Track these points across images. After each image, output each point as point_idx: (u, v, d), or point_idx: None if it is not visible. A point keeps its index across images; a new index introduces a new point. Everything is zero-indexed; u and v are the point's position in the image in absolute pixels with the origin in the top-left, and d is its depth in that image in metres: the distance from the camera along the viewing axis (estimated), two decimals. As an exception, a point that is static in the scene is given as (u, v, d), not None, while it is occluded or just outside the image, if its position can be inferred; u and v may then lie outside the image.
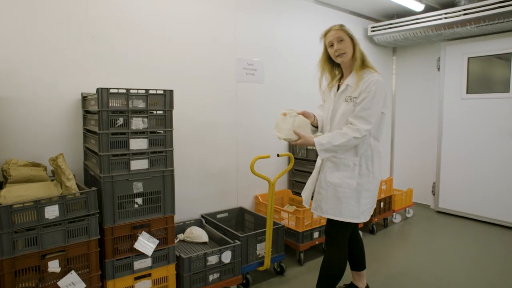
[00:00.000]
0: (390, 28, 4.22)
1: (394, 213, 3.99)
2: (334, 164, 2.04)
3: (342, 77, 2.15)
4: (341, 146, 1.92)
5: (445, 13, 3.78)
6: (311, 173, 3.37)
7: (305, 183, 3.45)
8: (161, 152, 2.13)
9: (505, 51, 3.87)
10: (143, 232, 2.08)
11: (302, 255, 2.95)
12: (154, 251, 2.10)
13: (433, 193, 4.54)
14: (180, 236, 2.77)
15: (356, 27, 4.37)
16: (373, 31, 4.37)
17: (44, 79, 2.25)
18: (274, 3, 3.45)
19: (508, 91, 3.87)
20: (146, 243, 2.06)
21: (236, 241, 2.48)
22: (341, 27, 2.02)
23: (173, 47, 2.79)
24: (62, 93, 2.33)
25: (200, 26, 2.93)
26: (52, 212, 1.67)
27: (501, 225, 3.96)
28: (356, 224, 2.23)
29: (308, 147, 3.41)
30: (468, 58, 4.16)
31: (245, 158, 3.28)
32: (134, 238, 2.06)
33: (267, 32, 3.43)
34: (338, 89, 2.11)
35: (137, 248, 2.03)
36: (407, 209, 4.20)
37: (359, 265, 2.37)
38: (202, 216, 3.01)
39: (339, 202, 2.01)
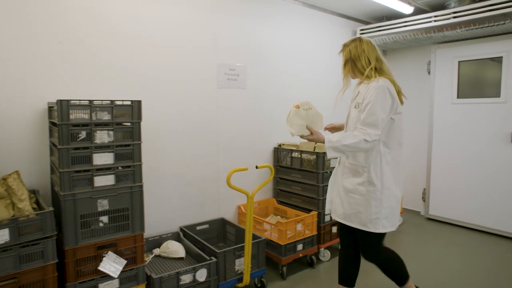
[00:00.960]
0: (379, 30, 4.11)
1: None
2: (349, 170, 2.10)
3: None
4: (350, 146, 1.93)
5: (435, 16, 3.67)
6: (296, 181, 3.29)
7: (290, 192, 3.38)
8: (129, 166, 2.01)
9: (496, 55, 3.77)
10: (109, 252, 1.95)
11: (284, 268, 2.83)
12: (121, 271, 1.97)
13: (423, 199, 4.44)
14: (156, 251, 2.64)
15: (344, 30, 4.26)
16: (362, 33, 4.26)
17: (6, 88, 2.11)
18: (257, 6, 3.33)
19: (499, 96, 3.77)
20: (112, 264, 1.94)
21: (212, 257, 2.36)
22: (342, 50, 2.15)
23: (149, 52, 2.65)
24: (28, 103, 2.18)
25: (178, 30, 2.80)
26: (1, 236, 1.54)
27: (492, 233, 3.86)
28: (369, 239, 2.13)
29: (303, 149, 3.29)
30: (459, 61, 4.06)
31: (227, 167, 3.15)
32: (100, 259, 1.93)
33: (251, 36, 3.30)
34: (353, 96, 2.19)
35: (102, 270, 1.91)
36: (396, 216, 4.09)
37: (348, 281, 2.29)
38: (181, 229, 2.89)
39: (350, 207, 2.07)
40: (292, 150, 3.30)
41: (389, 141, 2.03)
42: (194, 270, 2.24)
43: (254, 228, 3.06)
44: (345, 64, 2.11)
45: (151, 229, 2.74)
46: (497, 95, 3.79)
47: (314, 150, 3.14)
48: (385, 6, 3.80)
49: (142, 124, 2.04)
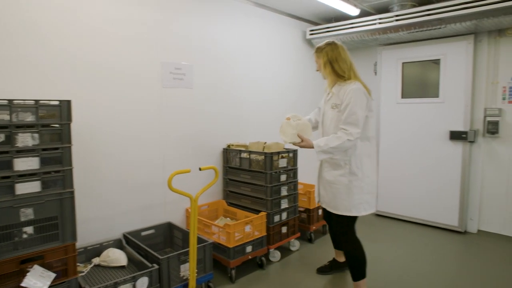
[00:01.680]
0: (327, 31, 4.18)
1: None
2: (329, 164, 2.39)
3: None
4: (337, 148, 2.19)
5: (379, 19, 3.79)
6: (245, 182, 3.26)
7: (239, 193, 3.33)
8: (58, 171, 1.86)
9: (435, 57, 3.96)
10: (35, 266, 1.79)
11: (233, 272, 2.78)
12: (50, 286, 1.82)
13: (372, 196, 4.58)
14: (95, 260, 2.48)
15: (294, 30, 4.29)
16: (312, 34, 4.31)
17: None
18: (206, 4, 3.25)
19: (438, 96, 3.97)
20: (37, 279, 1.78)
21: (154, 264, 2.26)
22: (316, 52, 2.42)
23: (89, 49, 2.48)
24: None
25: (119, 27, 2.65)
26: None
27: (434, 226, 4.06)
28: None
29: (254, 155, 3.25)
30: (403, 63, 4.23)
31: (173, 169, 3.04)
32: (23, 274, 1.77)
33: (199, 35, 3.21)
34: (327, 97, 2.44)
35: (25, 286, 1.74)
36: (346, 214, 4.18)
37: (336, 242, 2.84)
38: (124, 236, 2.74)
39: (334, 197, 2.36)
40: (241, 151, 3.26)
41: (365, 135, 2.30)
42: (134, 279, 2.12)
43: (202, 231, 2.99)
44: (325, 66, 2.34)
45: (92, 237, 2.59)
46: (437, 95, 3.98)
47: (263, 150, 3.12)
48: (334, 8, 3.87)
49: (80, 125, 1.91)
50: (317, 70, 2.49)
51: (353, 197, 2.29)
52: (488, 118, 3.76)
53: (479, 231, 3.92)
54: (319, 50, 2.38)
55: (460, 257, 3.29)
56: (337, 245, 2.90)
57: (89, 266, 2.44)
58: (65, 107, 1.86)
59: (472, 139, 3.78)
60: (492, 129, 3.74)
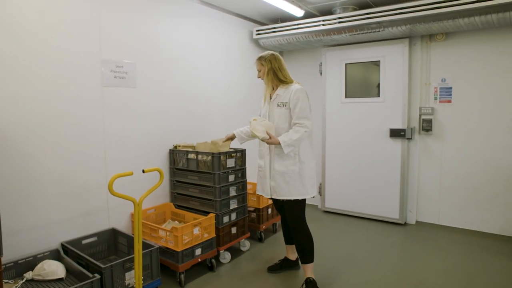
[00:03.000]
0: (274, 32, 4.23)
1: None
2: (279, 156, 2.62)
3: (273, 90, 2.76)
4: (298, 139, 2.51)
5: (323, 20, 3.91)
6: (193, 184, 3.20)
7: (187, 195, 3.25)
8: (-21, 178, 1.67)
9: (375, 59, 4.17)
10: (-48, 285, 1.60)
11: (182, 276, 2.70)
12: (-28, 306, 1.63)
13: (320, 193, 4.72)
14: (28, 275, 2.27)
15: (241, 30, 4.29)
16: (258, 34, 4.34)
17: None
18: (149, 1, 3.12)
19: (379, 96, 4.18)
20: (-44, 300, 1.59)
21: (96, 274, 2.12)
22: (257, 60, 2.71)
23: (18, 44, 2.27)
24: None
25: (54, 21, 2.45)
26: None
27: (378, 220, 4.28)
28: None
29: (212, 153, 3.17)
30: (346, 64, 4.40)
31: (117, 172, 2.87)
32: None
33: (142, 32, 3.08)
34: (271, 99, 2.72)
35: None
36: (296, 211, 4.26)
37: (289, 237, 2.97)
38: (62, 245, 2.55)
39: (287, 185, 2.59)
40: (188, 152, 3.19)
41: None
42: (73, 291, 1.97)
43: (149, 236, 2.87)
44: (267, 73, 2.65)
45: (25, 250, 2.38)
46: (378, 95, 4.20)
47: (210, 150, 3.07)
48: (280, 9, 3.92)
49: (7, 125, 1.72)
50: (259, 77, 2.74)
51: (305, 181, 2.59)
52: (423, 117, 4.04)
53: (417, 222, 4.20)
54: (262, 59, 2.67)
55: (401, 247, 3.49)
56: (288, 240, 2.98)
57: (20, 282, 2.23)
58: (-13, 107, 1.68)
59: (410, 136, 4.03)
60: (426, 126, 4.01)
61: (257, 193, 2.87)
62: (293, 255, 3.01)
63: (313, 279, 2.63)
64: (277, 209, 2.96)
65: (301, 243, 2.66)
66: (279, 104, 2.64)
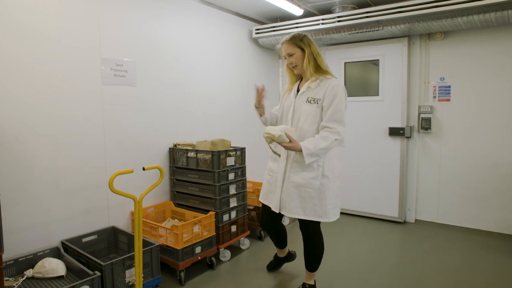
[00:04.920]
0: (273, 31, 4.23)
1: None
2: (299, 164, 2.17)
3: (301, 80, 2.31)
4: (325, 148, 2.06)
5: (322, 19, 3.91)
6: (192, 182, 3.18)
7: (187, 194, 3.25)
8: (-20, 176, 1.68)
9: (374, 58, 4.18)
10: (-46, 282, 1.60)
11: (182, 274, 2.71)
12: (-27, 303, 1.64)
13: (319, 192, 4.72)
14: (28, 273, 2.28)
15: (241, 29, 4.29)
16: (257, 33, 4.34)
17: None
18: (148, 0, 3.14)
19: (378, 95, 4.19)
20: (-43, 296, 1.59)
21: (96, 272, 2.13)
22: (289, 41, 2.19)
23: (15, 42, 2.27)
24: None
25: (55, 20, 2.45)
26: None
27: (377, 218, 4.29)
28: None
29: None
30: (345, 63, 4.41)
31: (116, 170, 2.88)
32: None
33: (141, 31, 3.08)
34: (298, 91, 2.26)
35: None
36: (295, 210, 4.27)
37: (282, 243, 2.75)
38: (62, 243, 2.56)
39: (302, 201, 2.16)
40: (187, 150, 3.19)
41: None
42: (73, 289, 1.98)
43: (149, 234, 2.88)
44: (309, 58, 2.15)
45: (25, 248, 2.38)
46: (377, 94, 4.21)
47: (210, 148, 3.08)
48: (279, 8, 3.93)
49: (8, 123, 1.73)
50: (290, 64, 2.25)
51: (326, 201, 2.15)
52: (422, 115, 4.05)
53: (416, 220, 4.21)
54: (297, 40, 2.17)
55: (400, 246, 3.50)
56: (282, 245, 2.78)
57: (21, 280, 2.23)
58: (-13, 104, 1.68)
59: (409, 134, 4.04)
60: (425, 125, 4.03)
61: (261, 200, 2.50)
62: (282, 254, 2.86)
63: (313, 284, 2.51)
64: (265, 220, 2.55)
65: (313, 255, 2.41)
66: (309, 99, 2.17)
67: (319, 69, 2.18)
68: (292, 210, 2.20)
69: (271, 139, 2.13)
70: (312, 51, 2.16)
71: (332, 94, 2.07)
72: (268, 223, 2.56)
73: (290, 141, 2.08)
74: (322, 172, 2.15)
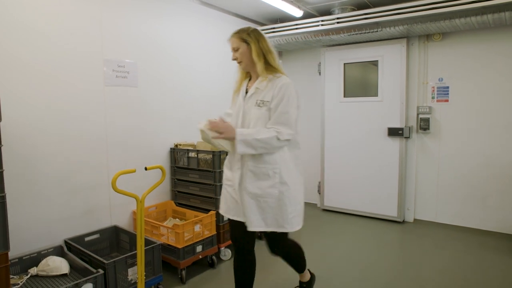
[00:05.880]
0: (273, 32, 4.27)
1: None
2: (254, 174, 1.95)
3: (250, 79, 2.10)
4: (263, 141, 1.83)
5: (322, 21, 3.95)
6: (193, 182, 3.21)
7: (188, 193, 3.28)
8: (-14, 175, 1.71)
9: (373, 59, 4.22)
10: (-39, 279, 1.64)
11: (183, 272, 2.75)
12: (-21, 300, 1.67)
13: (319, 192, 4.77)
14: (32, 271, 2.31)
15: (241, 30, 4.32)
16: (258, 34, 4.37)
17: None
18: (150, 1, 3.17)
19: (377, 95, 4.23)
20: (-36, 293, 1.63)
21: (99, 270, 2.16)
22: (235, 34, 2.01)
23: (20, 43, 2.31)
24: None
25: (58, 22, 2.49)
26: None
27: (376, 218, 4.32)
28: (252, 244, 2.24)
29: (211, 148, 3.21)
30: (344, 63, 4.45)
31: (118, 170, 2.92)
32: None
33: (142, 32, 3.12)
34: (246, 93, 2.03)
35: (-50, 302, 1.59)
36: (295, 209, 4.30)
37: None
38: (65, 242, 2.59)
39: (262, 212, 1.96)
40: (188, 150, 3.23)
41: (295, 139, 2.00)
42: (77, 286, 2.02)
43: (150, 233, 2.91)
44: (254, 54, 1.93)
45: (28, 246, 2.42)
46: (376, 94, 4.24)
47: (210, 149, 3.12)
48: (279, 9, 3.96)
49: (12, 124, 1.76)
50: (235, 59, 2.06)
51: (287, 210, 1.96)
52: (421, 116, 4.08)
53: (415, 220, 4.24)
54: (243, 33, 1.98)
55: (399, 245, 3.54)
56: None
57: (25, 278, 2.27)
58: (-7, 105, 1.72)
59: (408, 135, 4.08)
60: (424, 125, 4.06)
61: (220, 212, 2.19)
62: None
63: (307, 281, 2.47)
64: (236, 235, 2.17)
65: (290, 259, 2.30)
66: (258, 102, 1.94)
67: (268, 68, 1.95)
68: (254, 223, 1.96)
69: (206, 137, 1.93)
70: (261, 47, 1.94)
71: (280, 95, 1.87)
72: (241, 236, 2.15)
73: (222, 132, 1.83)
74: (280, 179, 1.94)
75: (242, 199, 1.99)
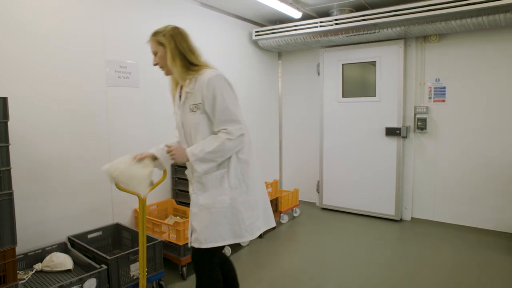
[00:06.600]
0: (272, 33, 4.33)
1: (281, 214, 4.11)
2: (200, 184, 1.78)
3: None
4: (217, 151, 1.66)
5: (320, 22, 4.01)
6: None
7: (189, 192, 3.31)
8: (-6, 173, 1.77)
9: (371, 60, 4.28)
10: (-30, 273, 1.70)
11: (184, 269, 2.81)
12: (-13, 293, 1.73)
13: (318, 191, 4.83)
14: (37, 266, 2.37)
15: (241, 31, 4.39)
16: (257, 35, 4.44)
17: None
18: (152, 2, 3.23)
19: (375, 96, 4.29)
20: (-27, 286, 1.69)
21: (103, 265, 2.22)
22: (152, 37, 1.82)
23: (25, 44, 2.37)
24: None
25: (60, 23, 2.55)
26: None
27: (374, 216, 4.38)
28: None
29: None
30: (343, 64, 4.51)
31: (121, 170, 2.99)
32: (-43, 281, 1.67)
33: (143, 33, 3.14)
34: (180, 100, 1.85)
35: (-41, 294, 1.65)
36: (294, 208, 4.37)
37: (232, 286, 2.08)
38: (69, 239, 2.65)
39: (217, 224, 1.74)
40: (190, 149, 3.28)
41: None
42: (81, 281, 2.08)
43: (152, 231, 2.97)
44: (171, 57, 1.75)
45: (33, 243, 2.48)
46: (374, 94, 4.30)
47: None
48: (278, 10, 4.02)
49: (17, 123, 1.82)
50: (156, 64, 1.86)
51: (243, 217, 1.76)
52: (418, 116, 4.14)
53: (412, 218, 4.30)
54: (160, 35, 1.79)
55: (396, 243, 3.59)
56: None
57: (30, 273, 2.33)
58: (0, 104, 1.78)
59: (405, 134, 4.14)
60: (421, 125, 4.12)
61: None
62: None
63: None
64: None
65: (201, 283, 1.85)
66: (191, 107, 1.77)
67: (192, 68, 1.78)
68: (208, 240, 1.74)
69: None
70: (177, 47, 1.76)
71: (211, 93, 1.69)
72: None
73: (171, 150, 1.72)
74: (229, 184, 1.75)
75: (193, 213, 1.81)
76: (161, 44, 1.78)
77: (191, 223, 1.82)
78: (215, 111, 1.70)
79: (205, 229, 1.74)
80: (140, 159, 1.85)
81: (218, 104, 1.69)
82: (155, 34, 1.81)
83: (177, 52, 1.76)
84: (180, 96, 1.86)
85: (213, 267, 1.84)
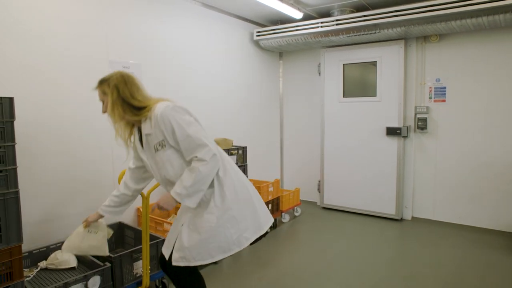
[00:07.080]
0: (274, 33, 4.36)
1: (282, 213, 4.13)
2: (187, 208, 1.79)
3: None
4: (197, 181, 1.65)
5: (321, 22, 4.04)
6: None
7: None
8: (0, 171, 1.80)
9: (372, 60, 4.30)
10: (-23, 270, 1.73)
11: (187, 267, 2.83)
12: (-6, 290, 1.76)
13: (319, 190, 4.85)
14: (42, 264, 2.40)
15: (242, 31, 4.42)
16: (259, 35, 4.47)
17: None
18: (154, 3, 3.26)
19: (376, 95, 4.31)
20: (-20, 283, 1.72)
21: (107, 263, 2.25)
22: (98, 86, 1.82)
23: (27, 45, 2.40)
24: None
25: (63, 24, 2.58)
26: None
27: (375, 216, 4.40)
28: None
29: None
30: (343, 64, 4.53)
31: (123, 168, 3.01)
32: (-36, 278, 1.70)
33: (145, 34, 3.21)
34: (142, 146, 1.84)
35: (-33, 291, 1.68)
36: (295, 208, 4.39)
37: None
38: (72, 237, 2.68)
39: (206, 243, 1.74)
40: (192, 149, 3.31)
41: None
42: (86, 278, 2.11)
43: (154, 229, 3.00)
44: (114, 105, 1.74)
45: (37, 241, 2.51)
46: (374, 94, 4.33)
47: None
48: (279, 11, 4.04)
49: (21, 123, 1.85)
50: (104, 112, 1.83)
51: (230, 232, 1.77)
52: (418, 115, 4.17)
53: (413, 217, 4.32)
54: (105, 85, 1.79)
55: (396, 242, 3.62)
56: None
57: (35, 271, 2.36)
58: (7, 104, 1.81)
59: (405, 134, 4.16)
60: (422, 125, 4.14)
61: (163, 250, 1.96)
62: None
63: None
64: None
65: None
66: (156, 147, 1.76)
67: (139, 112, 1.76)
68: (196, 258, 1.75)
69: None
70: (120, 96, 1.74)
71: (168, 126, 1.68)
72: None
73: (163, 208, 1.71)
74: (214, 203, 1.75)
75: (181, 233, 1.79)
76: (105, 93, 1.78)
77: (180, 238, 1.79)
78: (179, 142, 1.69)
79: (193, 249, 1.74)
80: (90, 224, 2.04)
81: (179, 135, 1.68)
82: (101, 83, 1.81)
83: (119, 101, 1.75)
84: (141, 140, 1.85)
85: (193, 271, 1.86)
